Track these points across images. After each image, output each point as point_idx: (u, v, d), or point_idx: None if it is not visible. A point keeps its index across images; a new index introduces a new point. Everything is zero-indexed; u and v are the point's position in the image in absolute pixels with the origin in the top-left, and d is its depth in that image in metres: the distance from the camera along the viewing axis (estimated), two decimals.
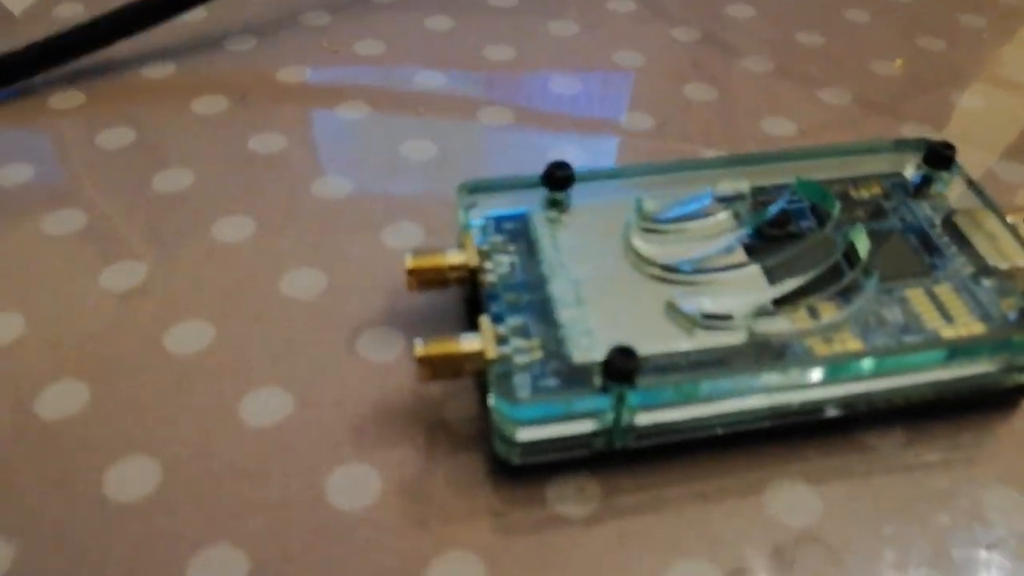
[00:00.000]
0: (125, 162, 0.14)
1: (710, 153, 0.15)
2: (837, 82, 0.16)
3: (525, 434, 0.10)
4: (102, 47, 0.16)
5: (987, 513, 0.10)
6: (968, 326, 0.11)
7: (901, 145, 0.13)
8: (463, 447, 0.10)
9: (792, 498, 0.10)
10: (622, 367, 0.09)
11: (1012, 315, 0.11)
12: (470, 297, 0.11)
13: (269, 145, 0.15)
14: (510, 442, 0.10)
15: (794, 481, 0.10)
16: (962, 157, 0.12)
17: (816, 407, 0.10)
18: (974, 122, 0.16)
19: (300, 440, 0.10)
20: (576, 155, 0.15)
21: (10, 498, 0.10)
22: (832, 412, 0.10)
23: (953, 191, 0.12)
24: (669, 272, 0.11)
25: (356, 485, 0.10)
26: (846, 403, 0.10)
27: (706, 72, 0.17)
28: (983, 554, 0.10)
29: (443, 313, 0.12)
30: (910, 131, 0.15)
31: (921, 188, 0.12)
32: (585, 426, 0.10)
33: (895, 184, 0.13)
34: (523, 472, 0.10)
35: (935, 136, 0.13)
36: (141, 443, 0.10)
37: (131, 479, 0.10)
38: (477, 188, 0.12)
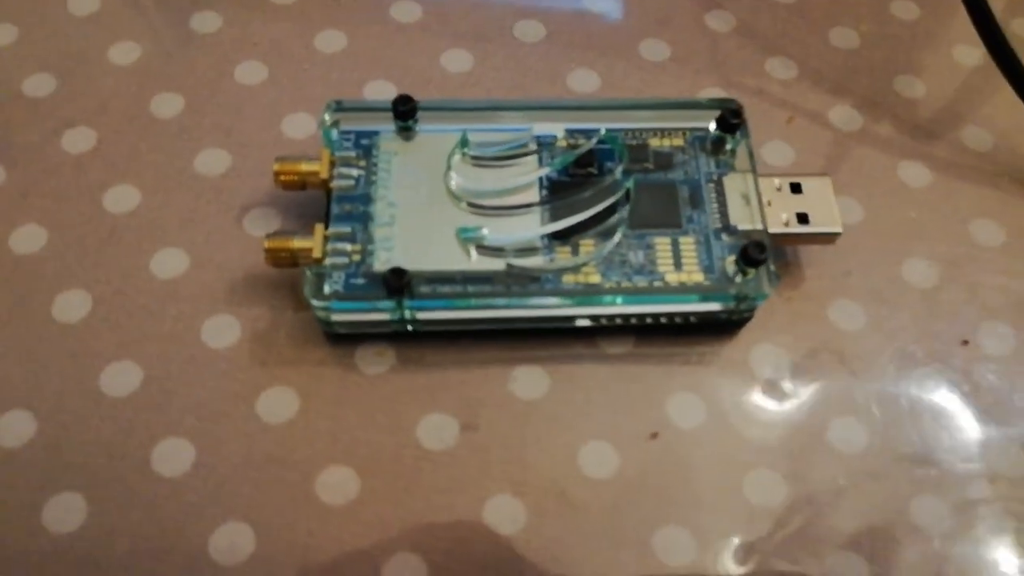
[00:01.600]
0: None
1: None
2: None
3: (336, 318, 0.13)
4: None
5: (667, 409, 0.14)
6: (692, 275, 0.14)
7: (708, 105, 0.15)
8: (304, 315, 0.14)
9: (529, 378, 0.14)
10: (395, 283, 0.13)
11: (732, 271, 0.14)
12: (327, 199, 0.15)
13: (205, 23, 0.17)
14: (328, 322, 0.14)
15: (534, 367, 0.14)
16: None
17: (566, 320, 0.14)
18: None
19: (189, 291, 0.14)
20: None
21: None
22: (582, 323, 0.14)
23: (740, 151, 0.15)
24: (469, 204, 0.14)
25: (222, 330, 0.14)
26: (590, 318, 0.14)
27: None
28: (650, 442, 0.13)
29: (314, 204, 0.15)
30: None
31: (718, 145, 0.15)
32: (382, 316, 0.13)
33: (696, 138, 0.15)
34: (341, 338, 0.14)
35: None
36: (81, 279, 0.14)
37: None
38: (341, 107, 0.15)
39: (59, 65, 0.17)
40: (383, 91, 0.17)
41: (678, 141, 0.15)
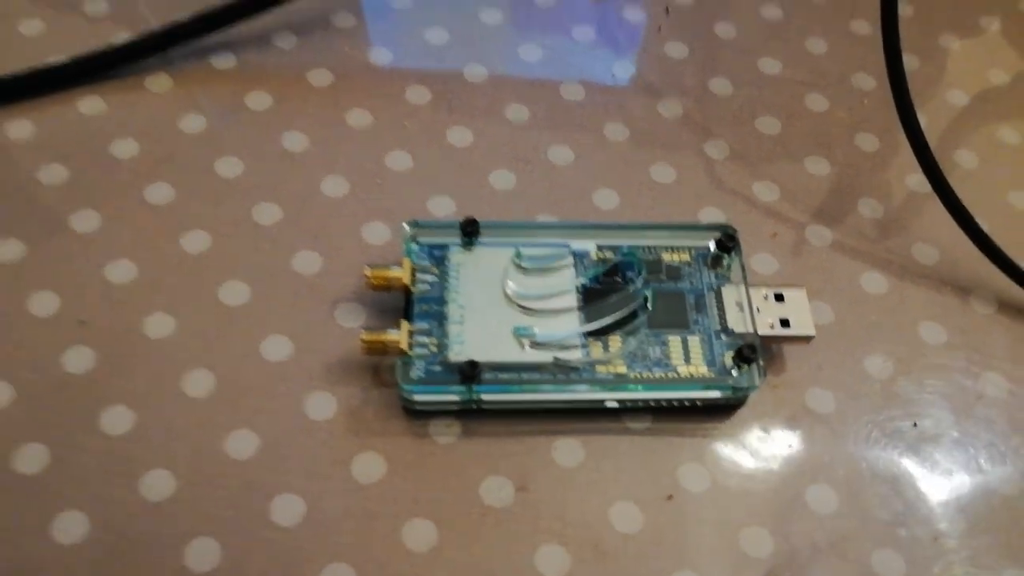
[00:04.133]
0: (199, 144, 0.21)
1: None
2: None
3: (418, 398, 0.17)
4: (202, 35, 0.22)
5: (679, 476, 0.17)
6: (698, 368, 0.17)
7: (709, 228, 0.19)
8: (387, 392, 0.18)
9: (568, 448, 0.17)
10: (469, 372, 0.16)
11: (729, 365, 0.17)
12: (407, 298, 0.18)
13: (295, 143, 0.21)
14: (410, 400, 0.17)
15: (572, 439, 0.17)
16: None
17: (598, 402, 0.17)
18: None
19: (293, 372, 0.18)
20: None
21: None
22: (611, 404, 0.17)
23: (735, 267, 0.19)
24: (522, 306, 0.18)
25: (321, 405, 0.17)
26: (617, 400, 0.17)
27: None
28: (667, 503, 0.17)
29: (394, 300, 0.19)
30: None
31: (717, 261, 0.19)
32: (454, 396, 0.17)
33: (700, 255, 0.19)
34: (417, 413, 0.17)
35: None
36: (205, 360, 0.18)
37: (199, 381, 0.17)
38: (418, 225, 0.18)
39: (177, 177, 0.20)
40: (443, 205, 0.20)
41: (685, 257, 0.19)
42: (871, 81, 0.24)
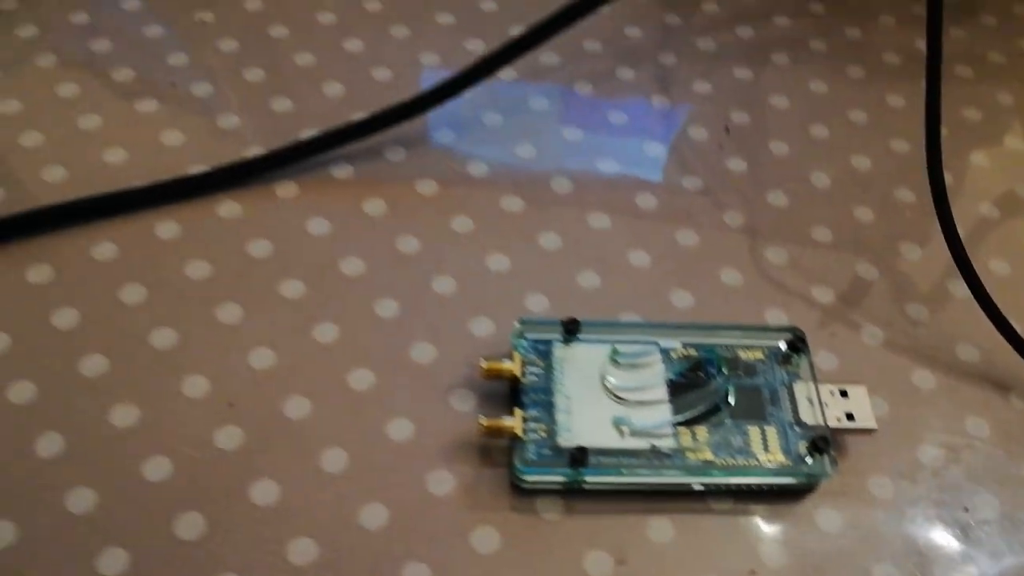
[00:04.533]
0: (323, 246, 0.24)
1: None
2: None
3: (529, 478, 0.19)
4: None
5: (759, 552, 0.19)
6: (776, 456, 0.20)
7: (779, 330, 0.21)
8: (497, 472, 0.20)
9: (660, 526, 0.19)
10: (579, 457, 0.18)
11: (803, 454, 0.20)
12: (514, 387, 0.21)
13: (407, 245, 0.24)
14: (521, 479, 0.19)
15: (663, 518, 0.20)
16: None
17: (687, 484, 0.20)
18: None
19: (415, 451, 0.20)
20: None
21: None
22: (697, 488, 0.20)
23: (803, 365, 0.21)
24: (619, 397, 0.20)
25: (441, 481, 0.20)
26: (704, 484, 0.20)
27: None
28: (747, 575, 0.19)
29: (500, 388, 0.21)
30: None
31: (787, 359, 0.21)
32: (561, 477, 0.19)
33: (772, 354, 0.21)
34: (526, 491, 0.20)
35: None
36: (338, 439, 0.20)
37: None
38: (525, 323, 0.21)
39: (307, 274, 0.23)
40: (538, 302, 0.23)
41: (759, 355, 0.21)
42: (911, 195, 0.26)
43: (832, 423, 0.20)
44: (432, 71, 0.28)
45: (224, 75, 0.27)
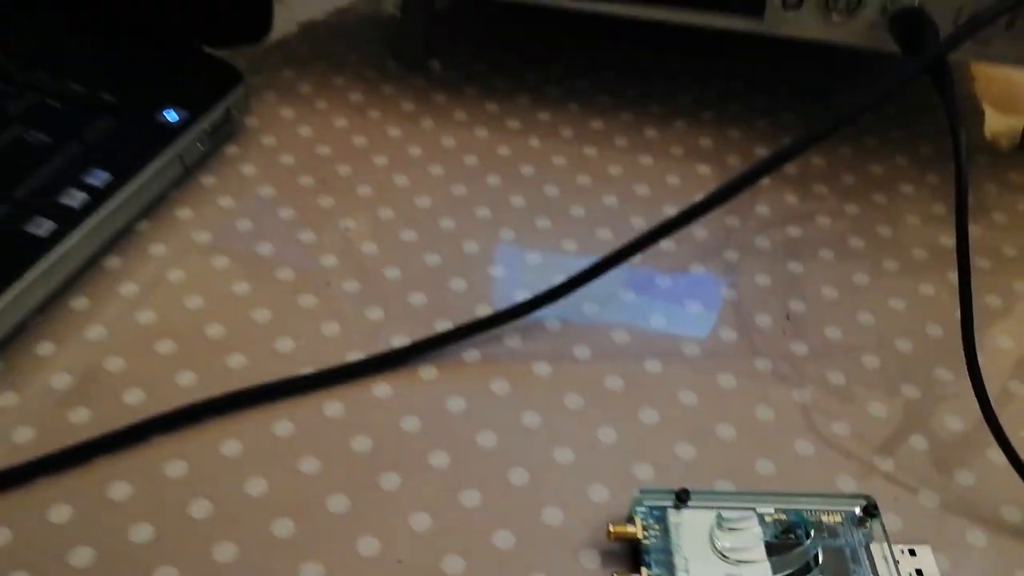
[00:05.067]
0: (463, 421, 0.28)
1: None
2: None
3: None
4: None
5: None
6: None
7: (854, 497, 0.25)
8: None
9: None
10: None
11: None
12: (636, 548, 0.24)
13: (531, 420, 0.28)
14: None
15: None
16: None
17: None
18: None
19: None
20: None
21: None
22: None
23: (876, 527, 0.25)
24: (725, 556, 0.24)
25: None
26: None
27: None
28: None
29: (622, 548, 0.25)
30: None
31: (862, 522, 0.25)
32: None
33: (848, 516, 0.25)
34: None
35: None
36: None
37: None
38: (644, 492, 0.25)
39: (451, 447, 0.27)
40: (644, 470, 0.27)
41: (838, 519, 0.25)
42: (949, 373, 0.31)
43: None
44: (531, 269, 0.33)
45: (368, 274, 0.32)
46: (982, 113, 0.43)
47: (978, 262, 0.35)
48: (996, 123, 0.43)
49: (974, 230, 0.37)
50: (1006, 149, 0.41)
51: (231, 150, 0.36)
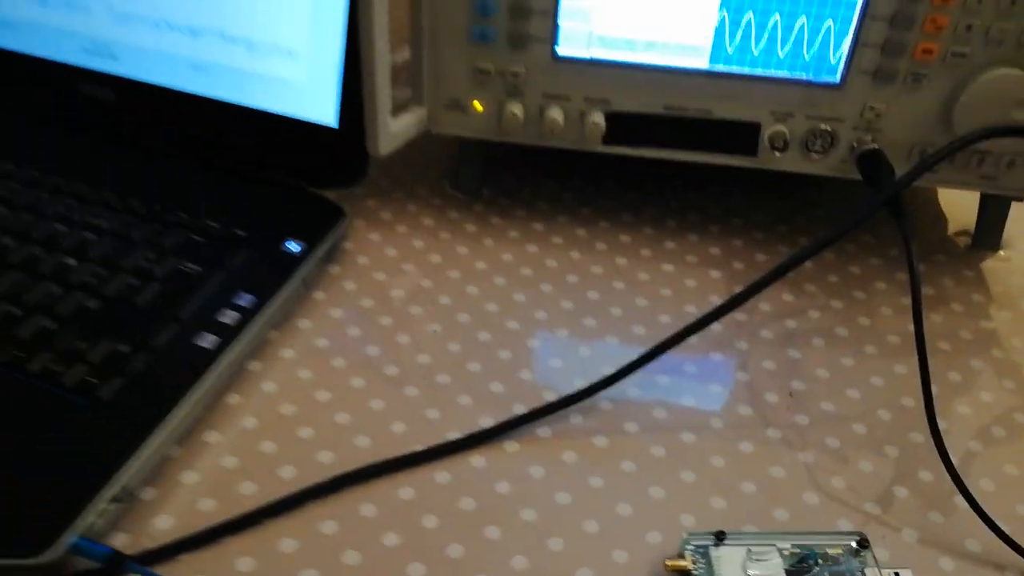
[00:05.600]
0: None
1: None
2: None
3: None
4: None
5: None
6: None
7: (850, 534, 0.33)
8: None
9: None
10: None
11: None
12: None
13: (596, 483, 0.36)
14: None
15: None
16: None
17: None
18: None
19: None
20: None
21: None
22: None
23: (869, 557, 0.32)
24: None
25: None
26: None
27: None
28: None
29: None
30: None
31: (857, 552, 0.33)
32: None
33: (847, 548, 0.33)
34: None
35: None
36: None
37: None
38: (691, 534, 0.33)
39: (535, 503, 0.35)
40: (688, 519, 0.35)
41: (840, 551, 0.33)
42: (920, 437, 0.39)
43: None
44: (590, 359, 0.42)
45: (457, 368, 0.40)
46: (945, 219, 0.53)
47: (940, 344, 0.44)
48: (953, 227, 0.52)
49: (936, 318, 0.45)
50: (961, 249, 0.50)
51: (334, 269, 0.45)
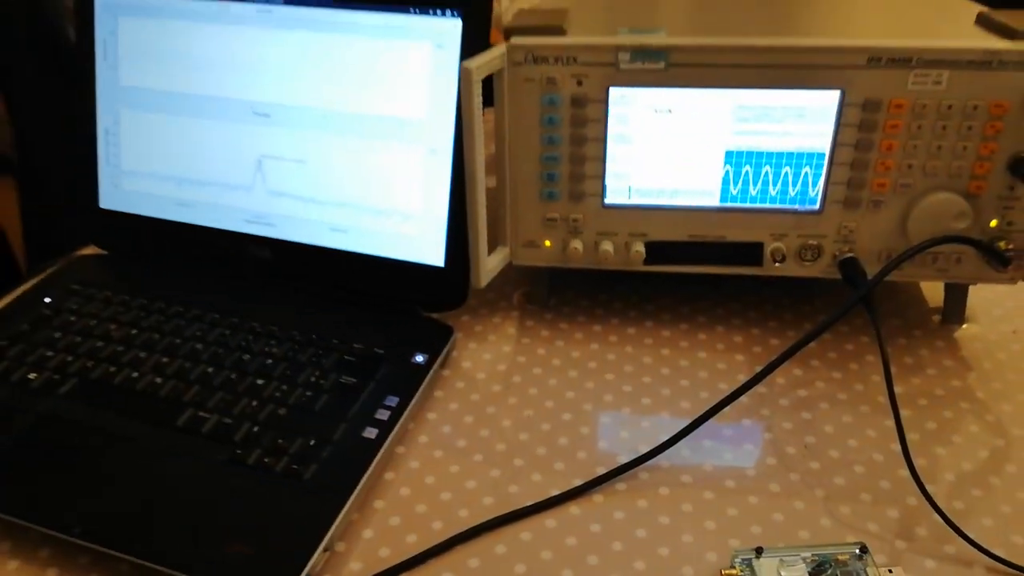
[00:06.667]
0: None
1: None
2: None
3: None
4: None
5: None
6: None
7: (855, 544, 0.45)
8: None
9: None
10: None
11: None
12: None
13: (664, 520, 0.48)
14: None
15: None
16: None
17: None
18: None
19: None
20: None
21: None
22: None
23: (869, 560, 0.44)
24: None
25: None
26: None
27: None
28: None
29: None
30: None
31: (860, 557, 0.45)
32: None
33: (853, 555, 0.45)
34: None
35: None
36: None
37: None
38: (738, 551, 0.45)
39: (647, 560, 0.47)
40: (735, 542, 0.47)
41: (847, 557, 0.45)
42: (905, 473, 0.51)
43: None
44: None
45: (551, 443, 0.53)
46: (923, 302, 0.66)
47: (919, 400, 0.56)
48: (928, 307, 0.65)
49: (914, 380, 0.58)
50: (935, 324, 0.63)
51: (447, 373, 0.59)
